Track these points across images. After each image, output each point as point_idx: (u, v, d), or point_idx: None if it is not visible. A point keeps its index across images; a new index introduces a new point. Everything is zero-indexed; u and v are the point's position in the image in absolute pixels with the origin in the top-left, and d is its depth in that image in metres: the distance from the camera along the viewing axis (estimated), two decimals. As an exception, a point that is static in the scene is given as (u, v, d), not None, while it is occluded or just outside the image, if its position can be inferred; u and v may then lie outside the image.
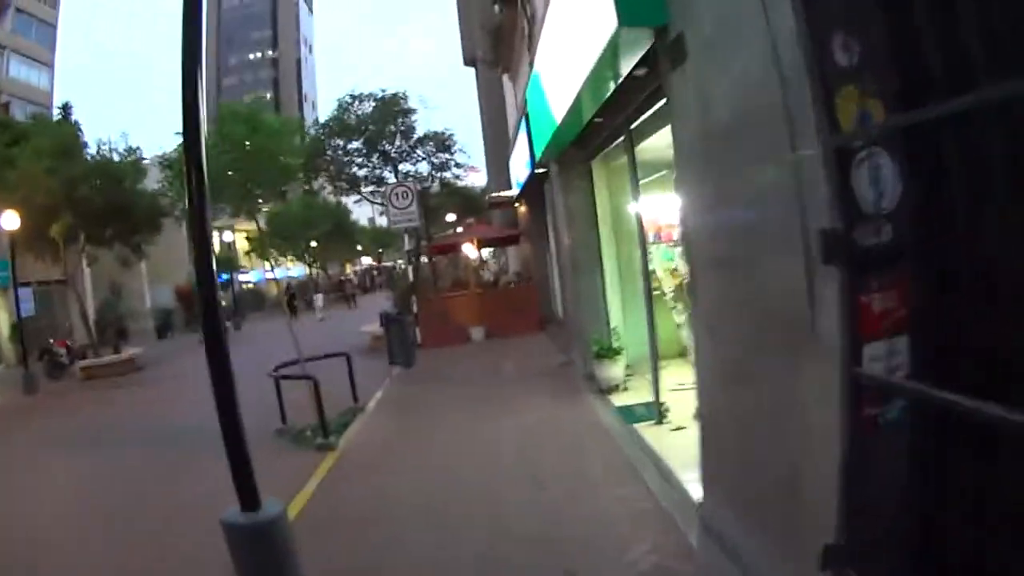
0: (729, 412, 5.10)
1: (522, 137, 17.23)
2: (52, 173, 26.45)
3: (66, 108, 45.28)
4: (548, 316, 22.75)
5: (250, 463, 5.06)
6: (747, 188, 4.27)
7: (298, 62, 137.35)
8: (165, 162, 18.44)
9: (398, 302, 24.73)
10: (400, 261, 38.12)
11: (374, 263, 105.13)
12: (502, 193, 26.01)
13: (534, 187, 20.03)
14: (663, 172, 10.18)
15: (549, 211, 21.01)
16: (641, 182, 10.71)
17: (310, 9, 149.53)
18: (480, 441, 10.24)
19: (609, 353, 12.02)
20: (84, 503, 10.02)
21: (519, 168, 19.89)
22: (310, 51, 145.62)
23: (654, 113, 7.96)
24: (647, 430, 9.54)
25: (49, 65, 59.96)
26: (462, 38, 36.76)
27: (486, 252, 38.79)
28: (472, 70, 37.09)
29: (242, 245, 76.72)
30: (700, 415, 5.89)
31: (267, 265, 62.52)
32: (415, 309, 22.51)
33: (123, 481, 10.83)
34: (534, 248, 23.84)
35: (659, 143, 9.06)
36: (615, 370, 12.06)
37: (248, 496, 5.08)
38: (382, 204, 26.36)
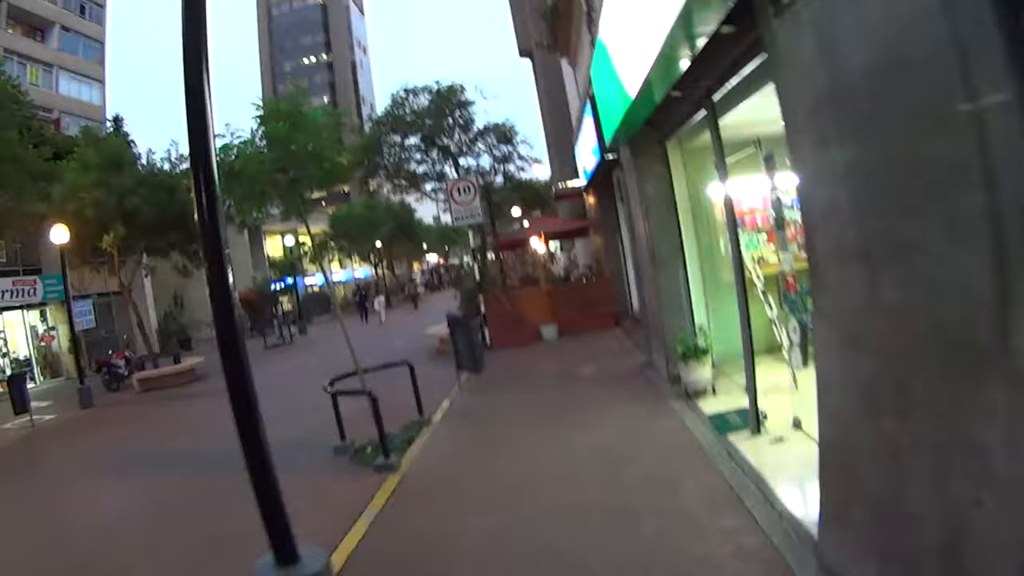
0: (869, 441, 4.15)
1: (588, 122, 16.36)
2: (100, 185, 26.39)
3: (117, 121, 45.94)
4: (622, 311, 21.82)
5: (283, 509, 4.34)
6: (899, 153, 3.31)
7: (353, 65, 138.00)
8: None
9: (465, 302, 24.01)
10: (467, 258, 37.48)
11: (441, 261, 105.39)
12: (569, 184, 25.10)
13: (603, 175, 19.15)
14: (748, 150, 9.18)
15: (621, 200, 20.07)
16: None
17: (361, 11, 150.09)
18: (557, 459, 9.36)
19: (696, 353, 11.06)
20: (116, 536, 9.38)
21: (586, 156, 19.02)
22: (365, 53, 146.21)
23: (743, 79, 7.02)
24: (744, 442, 8.62)
25: (100, 80, 61.05)
26: (515, 28, 36.05)
27: (554, 245, 37.93)
28: (528, 62, 36.35)
29: (308, 247, 77.36)
30: (824, 439, 4.92)
31: (327, 268, 62.64)
32: (483, 309, 21.76)
33: (167, 512, 10.18)
34: (605, 239, 22.92)
35: (744, 117, 8.15)
36: (703, 372, 11.11)
37: (282, 547, 4.36)
38: (444, 201, 25.62)
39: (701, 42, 6.40)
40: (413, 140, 29.91)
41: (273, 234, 63.73)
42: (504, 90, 33.31)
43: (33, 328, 38.03)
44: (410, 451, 10.90)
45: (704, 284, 12.24)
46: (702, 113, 8.89)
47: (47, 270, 37.12)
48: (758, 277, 10.64)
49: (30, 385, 35.65)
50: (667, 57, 7.00)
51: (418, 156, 30.28)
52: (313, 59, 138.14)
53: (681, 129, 10.73)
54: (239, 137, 12.15)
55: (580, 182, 23.15)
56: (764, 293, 10.36)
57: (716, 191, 11.55)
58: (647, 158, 12.17)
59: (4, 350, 36.87)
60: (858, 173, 3.71)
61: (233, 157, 11.81)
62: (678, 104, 9.27)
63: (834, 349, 4.49)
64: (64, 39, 59.88)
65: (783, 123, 4.74)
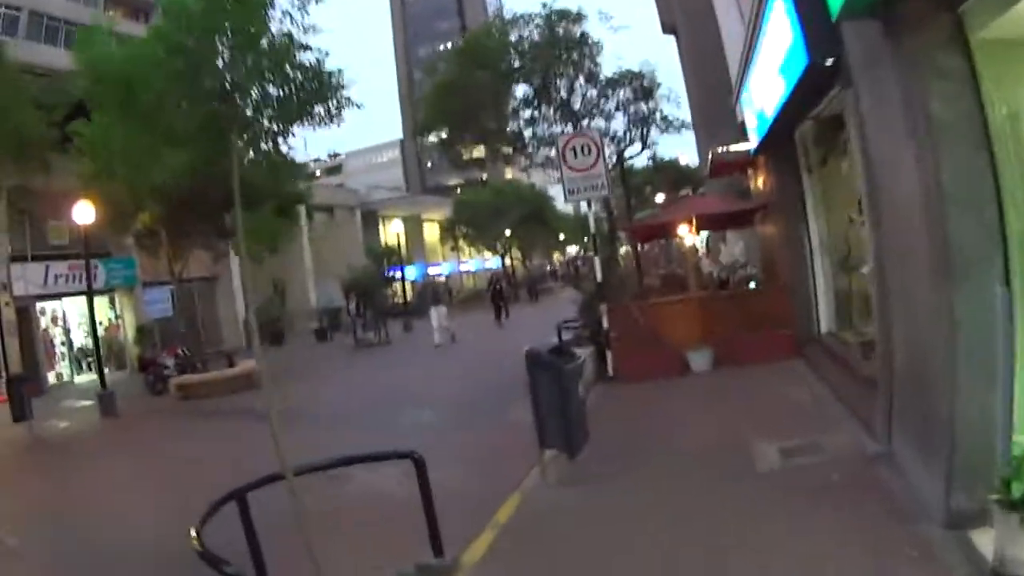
0: None
1: (774, 24, 9.87)
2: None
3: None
4: (806, 334, 15.19)
5: None
6: None
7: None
8: None
9: (583, 311, 17.78)
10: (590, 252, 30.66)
11: (580, 252, 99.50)
12: (731, 148, 18.16)
13: (781, 135, 13.22)
14: None
15: (808, 170, 14.08)
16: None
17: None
18: None
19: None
20: None
21: (763, 94, 12.53)
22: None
23: None
24: None
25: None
26: (658, 4, 32.04)
27: (700, 238, 30.40)
28: (672, 47, 32.41)
29: (432, 235, 72.62)
30: None
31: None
32: (605, 323, 15.54)
33: None
34: (783, 229, 16.22)
35: None
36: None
37: None
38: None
39: None
40: (521, 91, 22.97)
41: (390, 218, 58.78)
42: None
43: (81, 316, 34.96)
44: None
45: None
46: None
47: (117, 254, 33.86)
48: None
49: (88, 378, 32.22)
50: None
51: (527, 114, 23.17)
52: (449, 45, 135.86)
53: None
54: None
55: (750, 144, 16.44)
56: None
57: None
58: (924, 42, 5.77)
59: (64, 340, 33.55)
60: None
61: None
62: None
63: None
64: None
65: None
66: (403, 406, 16.85)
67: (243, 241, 4.38)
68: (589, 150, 15.18)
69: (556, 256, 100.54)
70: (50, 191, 24.15)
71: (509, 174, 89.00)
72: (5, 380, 24.66)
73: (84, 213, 21.54)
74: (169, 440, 17.07)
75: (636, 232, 22.05)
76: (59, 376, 32.56)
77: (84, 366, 34.16)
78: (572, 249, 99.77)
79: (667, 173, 36.08)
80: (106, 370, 33.44)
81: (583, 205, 16.56)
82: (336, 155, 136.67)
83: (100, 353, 24.19)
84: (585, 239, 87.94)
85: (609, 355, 15.33)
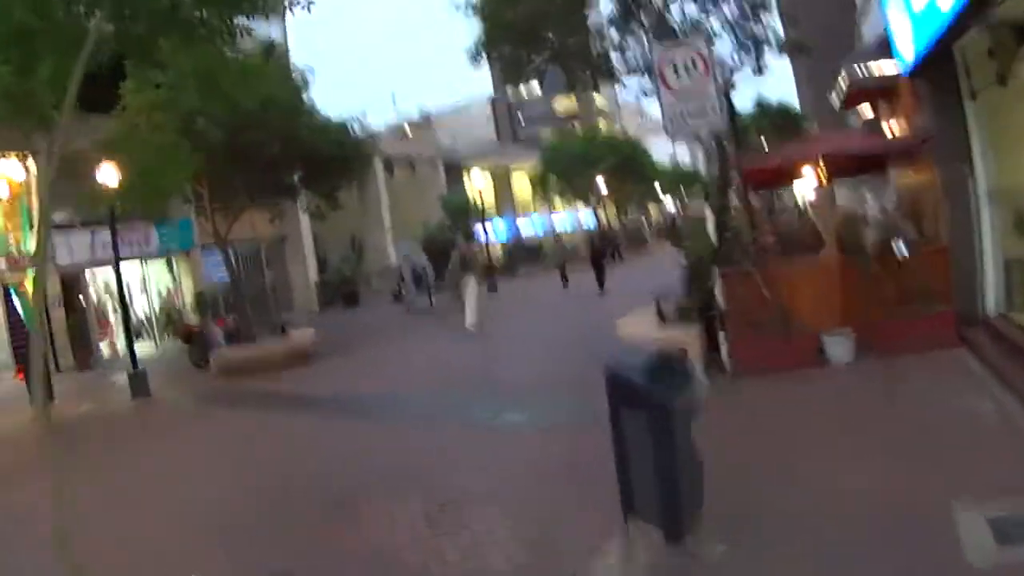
0: None
1: None
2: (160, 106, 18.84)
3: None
4: (967, 312, 11.66)
5: None
6: None
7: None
8: None
9: (691, 280, 14.17)
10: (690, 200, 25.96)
11: (682, 212, 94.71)
12: (872, 67, 14.14)
13: (938, 50, 10.32)
14: None
15: (972, 96, 10.94)
16: None
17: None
18: None
19: None
20: None
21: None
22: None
23: None
24: None
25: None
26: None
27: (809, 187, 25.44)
28: None
29: (521, 186, 69.31)
30: None
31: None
32: (720, 297, 12.23)
33: None
34: (937, 175, 12.61)
35: None
36: None
37: None
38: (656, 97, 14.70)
39: None
40: (607, 10, 18.85)
41: (476, 169, 55.75)
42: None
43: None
44: None
45: None
46: None
47: (174, 215, 31.69)
48: None
49: (144, 347, 30.34)
50: None
51: (614, 38, 19.08)
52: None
53: None
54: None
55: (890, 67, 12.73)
56: None
57: None
58: None
59: (116, 307, 31.93)
60: None
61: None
62: None
63: None
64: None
65: None
66: (457, 398, 14.33)
67: (46, 189, 1.65)
68: (693, 64, 11.92)
69: (653, 209, 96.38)
70: (94, 155, 22.02)
71: (603, 126, 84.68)
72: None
73: (109, 175, 19.33)
74: (179, 438, 15.12)
75: (750, 176, 17.94)
76: (112, 346, 30.87)
77: (144, 334, 32.57)
78: (668, 201, 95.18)
79: (775, 117, 32.35)
80: (165, 338, 32.08)
81: (683, 149, 13.18)
82: (426, 114, 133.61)
83: (131, 326, 22.16)
84: (681, 189, 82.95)
85: (722, 342, 12.06)
